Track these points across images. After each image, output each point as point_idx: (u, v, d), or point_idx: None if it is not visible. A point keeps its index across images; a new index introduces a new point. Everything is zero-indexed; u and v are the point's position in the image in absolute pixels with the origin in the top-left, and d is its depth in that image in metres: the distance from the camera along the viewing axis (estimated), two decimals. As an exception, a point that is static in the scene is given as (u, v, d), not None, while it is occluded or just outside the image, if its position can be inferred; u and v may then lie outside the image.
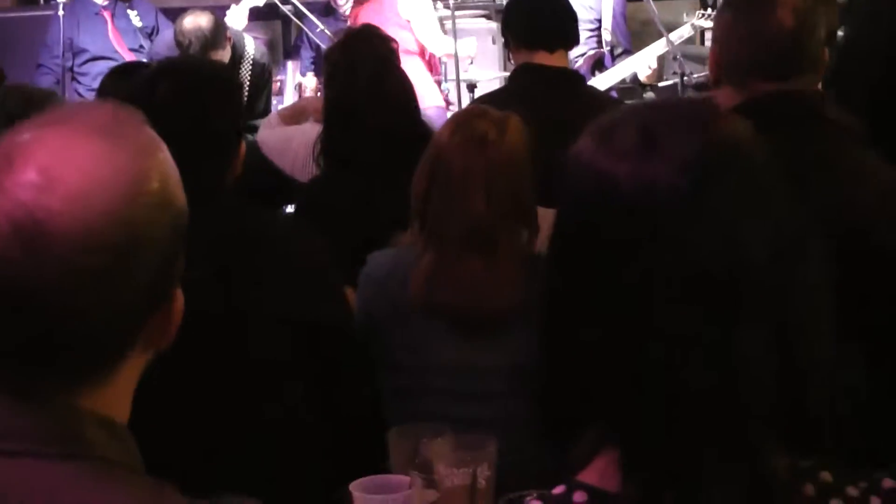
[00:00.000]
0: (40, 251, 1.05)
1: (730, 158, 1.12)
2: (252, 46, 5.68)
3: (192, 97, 2.35)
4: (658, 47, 5.48)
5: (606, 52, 5.68)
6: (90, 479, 1.09)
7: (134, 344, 1.14)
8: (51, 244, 1.06)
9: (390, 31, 5.43)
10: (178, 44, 5.22)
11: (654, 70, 5.48)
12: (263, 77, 5.69)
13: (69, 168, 1.08)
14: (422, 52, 5.66)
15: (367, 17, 5.57)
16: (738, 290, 1.08)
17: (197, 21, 5.21)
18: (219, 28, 5.26)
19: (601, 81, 5.53)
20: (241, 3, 5.81)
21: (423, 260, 2.41)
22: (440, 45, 5.73)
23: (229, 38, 5.36)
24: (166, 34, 5.81)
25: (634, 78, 5.60)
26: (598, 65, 5.62)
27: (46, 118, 1.14)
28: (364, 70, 3.25)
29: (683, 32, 5.58)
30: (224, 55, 5.32)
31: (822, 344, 1.13)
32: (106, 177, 1.09)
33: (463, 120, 2.52)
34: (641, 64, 5.55)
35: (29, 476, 1.08)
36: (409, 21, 5.56)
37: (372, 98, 3.19)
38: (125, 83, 3.54)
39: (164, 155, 1.16)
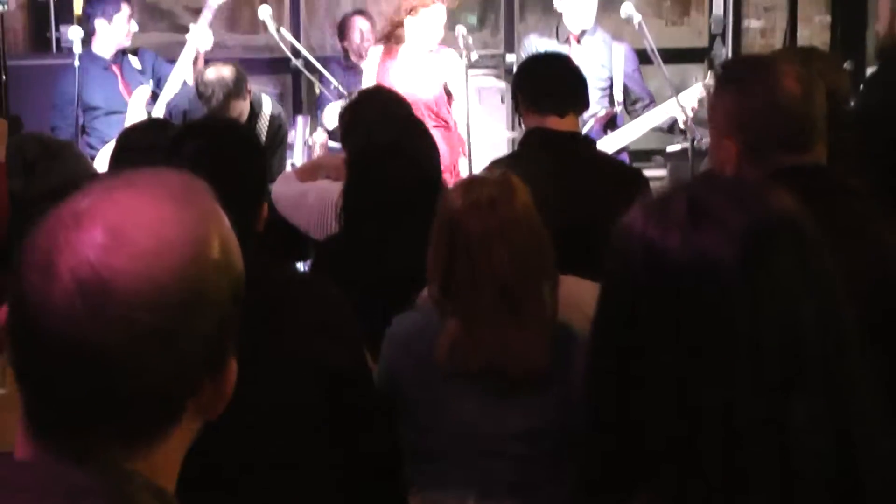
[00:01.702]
0: (103, 309, 1.06)
1: (780, 231, 1.14)
2: (269, 103, 5.75)
3: (217, 156, 2.37)
4: (670, 106, 5.50)
5: (618, 111, 5.71)
6: None
7: (187, 409, 1.14)
8: (114, 302, 1.07)
9: (417, 86, 5.55)
10: (200, 94, 5.31)
11: (694, 114, 5.47)
12: (279, 134, 5.75)
13: (136, 229, 1.09)
14: (438, 113, 5.68)
15: (397, 70, 5.63)
16: (790, 360, 1.10)
17: (220, 71, 5.33)
18: (241, 78, 5.36)
19: (614, 140, 5.56)
20: (201, 18, 5.88)
21: (449, 324, 2.43)
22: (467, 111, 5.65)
23: (249, 91, 5.43)
24: (184, 88, 5.88)
25: (673, 124, 5.60)
26: (611, 124, 5.64)
27: (113, 180, 1.15)
28: (380, 131, 3.29)
29: (694, 93, 5.59)
30: (245, 106, 5.40)
31: (873, 414, 1.15)
32: (172, 239, 1.10)
33: (468, 187, 2.56)
34: (655, 120, 5.57)
35: None
36: (445, 81, 5.55)
37: (390, 157, 3.22)
38: (144, 138, 3.57)
39: (226, 222, 1.18)
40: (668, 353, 1.12)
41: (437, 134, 5.53)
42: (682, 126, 5.42)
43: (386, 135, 3.28)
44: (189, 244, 1.11)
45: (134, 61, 6.25)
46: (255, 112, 5.62)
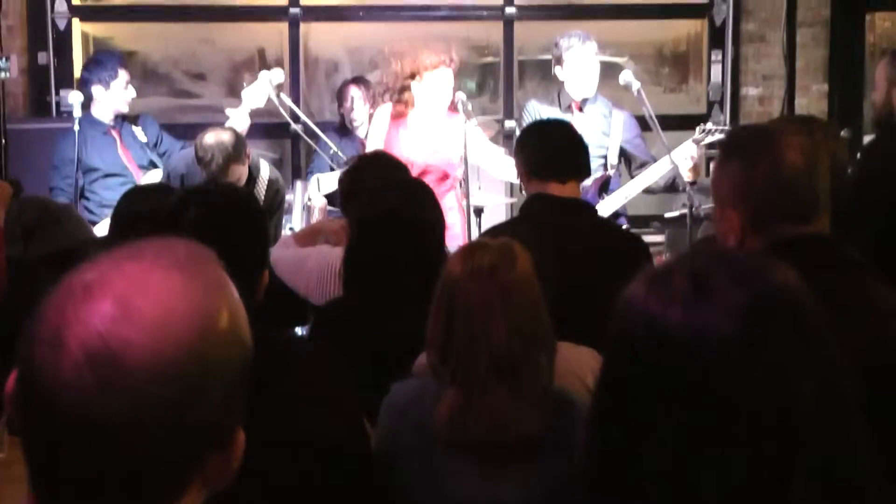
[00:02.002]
0: (113, 380, 1.06)
1: (781, 306, 1.14)
2: (267, 168, 5.75)
3: (219, 222, 2.38)
4: (663, 164, 5.54)
5: (611, 175, 5.73)
6: None
7: (195, 481, 1.14)
8: (123, 373, 1.06)
9: (428, 152, 5.58)
10: (199, 159, 5.28)
11: (695, 166, 5.47)
12: (277, 199, 5.74)
13: (146, 300, 1.09)
14: (445, 177, 5.69)
15: (407, 136, 5.65)
16: (789, 438, 1.09)
17: (219, 136, 5.30)
18: (240, 142, 5.34)
19: (611, 202, 5.59)
20: (242, 105, 5.83)
21: (447, 393, 2.42)
22: (506, 168, 5.55)
23: (248, 155, 5.43)
24: (183, 152, 5.89)
25: (673, 181, 5.61)
26: (605, 187, 5.68)
27: (122, 252, 1.15)
28: (382, 197, 3.29)
29: (686, 150, 5.61)
30: (243, 171, 5.38)
31: (871, 487, 1.14)
32: (181, 310, 1.10)
33: (468, 253, 2.55)
34: (650, 179, 5.59)
35: None
36: (464, 144, 5.38)
37: (393, 224, 3.21)
38: (144, 203, 3.57)
39: (235, 293, 1.18)
40: (667, 428, 1.11)
41: (451, 198, 5.57)
42: (682, 183, 5.43)
43: (388, 201, 3.27)
44: (198, 316, 1.11)
45: (138, 131, 6.28)
46: (252, 176, 5.62)
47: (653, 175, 5.61)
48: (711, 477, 1.09)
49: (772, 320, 1.13)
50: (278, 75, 5.87)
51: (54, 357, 1.07)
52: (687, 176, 5.42)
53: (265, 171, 5.72)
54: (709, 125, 5.74)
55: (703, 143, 5.63)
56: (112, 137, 6.21)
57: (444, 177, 5.69)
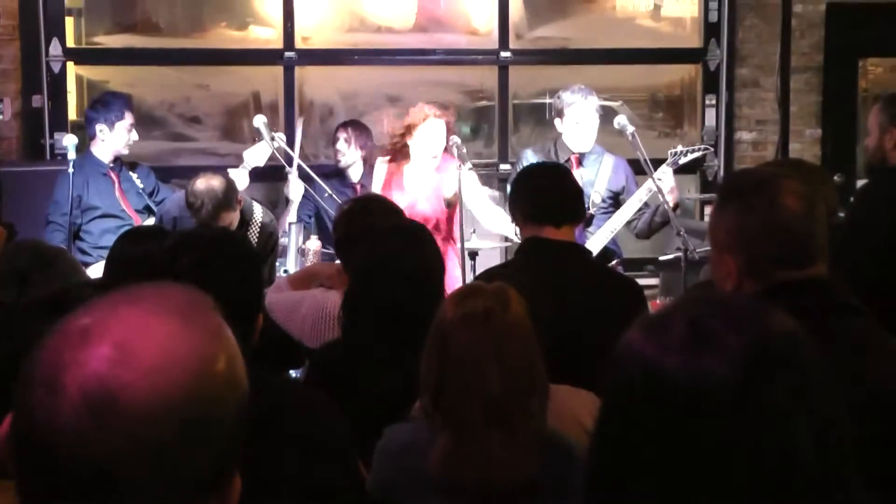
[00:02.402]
0: (111, 422, 1.05)
1: (780, 353, 1.14)
2: (260, 212, 5.73)
3: (212, 269, 2.37)
4: (643, 191, 5.61)
5: (596, 212, 5.78)
6: None
7: None
8: (122, 416, 1.06)
9: (422, 203, 5.62)
10: (190, 205, 5.24)
11: (672, 187, 5.53)
12: (270, 243, 5.73)
13: (145, 343, 1.09)
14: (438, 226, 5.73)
15: (401, 188, 5.73)
16: (788, 485, 1.08)
17: (209, 182, 5.25)
18: (231, 189, 5.30)
19: (597, 239, 5.69)
20: (242, 166, 5.87)
21: (440, 439, 2.40)
22: (497, 220, 5.79)
23: (240, 201, 5.41)
24: (176, 195, 5.88)
25: (661, 212, 5.65)
26: (588, 223, 5.74)
27: (119, 296, 1.15)
28: (382, 242, 3.28)
29: (664, 171, 5.66)
30: (234, 217, 5.35)
31: None
32: (180, 354, 1.10)
33: (462, 298, 2.54)
34: (630, 210, 5.67)
35: None
36: (454, 193, 5.54)
37: (391, 271, 3.18)
38: (139, 247, 3.57)
39: (232, 338, 1.17)
40: (665, 475, 1.10)
41: (447, 249, 5.59)
42: (670, 203, 5.50)
43: (388, 247, 3.26)
44: (197, 360, 1.11)
45: (135, 177, 6.28)
46: (245, 220, 5.61)
47: (634, 204, 5.68)
48: None
49: (771, 368, 1.12)
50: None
51: (52, 400, 1.07)
52: (669, 198, 5.50)
53: (258, 215, 5.71)
54: (679, 148, 5.79)
55: (675, 165, 5.70)
56: (110, 179, 6.21)
57: (440, 224, 5.72)
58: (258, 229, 5.67)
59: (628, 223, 5.78)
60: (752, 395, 1.10)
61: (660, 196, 5.43)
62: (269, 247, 5.71)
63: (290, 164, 6.08)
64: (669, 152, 5.78)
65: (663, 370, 1.12)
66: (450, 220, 5.78)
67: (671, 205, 5.48)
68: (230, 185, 5.32)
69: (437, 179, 5.74)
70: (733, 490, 1.08)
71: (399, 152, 5.78)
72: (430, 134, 5.68)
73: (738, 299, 1.25)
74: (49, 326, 1.15)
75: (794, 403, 1.11)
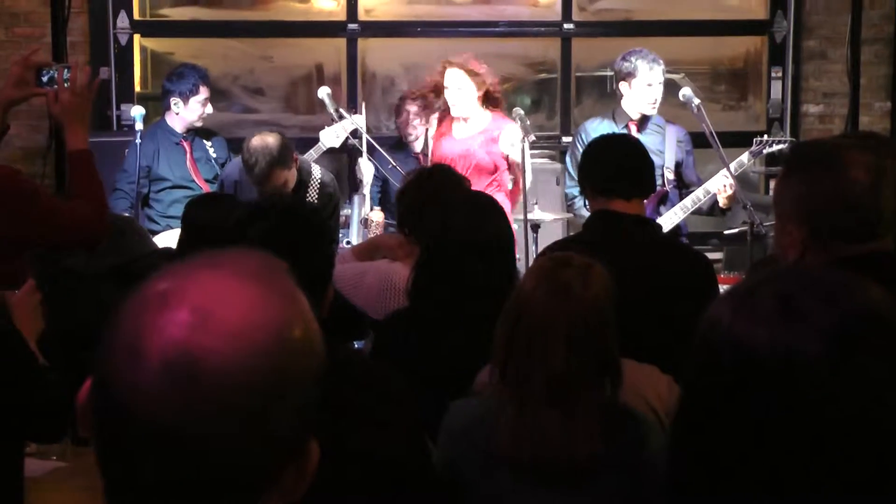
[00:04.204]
0: (192, 389, 1.05)
1: (870, 326, 1.12)
2: (319, 171, 5.74)
3: (283, 238, 2.36)
4: (719, 178, 5.53)
5: (669, 189, 5.70)
6: None
7: (271, 491, 1.12)
8: (202, 382, 1.05)
9: (469, 149, 5.64)
10: (245, 161, 5.28)
11: (732, 193, 5.45)
12: (331, 203, 5.72)
13: (224, 309, 1.08)
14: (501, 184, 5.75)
15: (452, 143, 5.75)
16: (880, 462, 1.07)
17: (265, 139, 5.29)
18: (285, 147, 5.32)
19: (669, 218, 5.58)
20: (317, 145, 5.98)
21: (504, 413, 2.40)
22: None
23: (296, 160, 5.43)
24: (237, 159, 5.89)
25: (712, 207, 5.61)
26: (663, 200, 5.66)
27: (198, 262, 1.14)
28: (457, 226, 3.23)
29: (743, 160, 5.61)
30: (290, 175, 5.38)
31: None
32: (259, 319, 1.09)
33: (548, 269, 2.51)
34: (704, 191, 5.60)
35: None
36: (506, 155, 5.66)
37: (457, 242, 3.17)
38: (209, 213, 3.60)
39: (307, 305, 1.16)
40: (753, 450, 1.09)
41: (501, 196, 5.58)
42: (722, 205, 5.46)
43: (461, 218, 3.23)
44: (275, 326, 1.10)
45: (209, 146, 6.33)
46: (303, 181, 5.61)
47: (701, 194, 5.61)
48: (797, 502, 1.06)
49: (862, 342, 1.10)
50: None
51: (132, 366, 1.06)
52: (722, 202, 5.46)
53: (317, 174, 5.72)
54: (765, 137, 5.71)
55: (760, 155, 5.62)
56: (182, 148, 6.26)
57: (489, 171, 5.73)
58: (318, 188, 5.67)
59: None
60: (842, 372, 1.08)
61: (719, 194, 5.41)
62: (330, 208, 5.69)
63: (354, 136, 6.09)
64: (755, 140, 5.69)
65: (752, 346, 1.11)
66: (503, 171, 5.79)
67: (723, 206, 5.49)
68: (285, 143, 5.34)
69: (490, 130, 5.75)
70: (822, 470, 1.07)
71: (444, 110, 5.87)
72: (452, 83, 5.72)
73: (827, 273, 1.23)
74: (118, 295, 1.14)
75: (885, 381, 1.10)
